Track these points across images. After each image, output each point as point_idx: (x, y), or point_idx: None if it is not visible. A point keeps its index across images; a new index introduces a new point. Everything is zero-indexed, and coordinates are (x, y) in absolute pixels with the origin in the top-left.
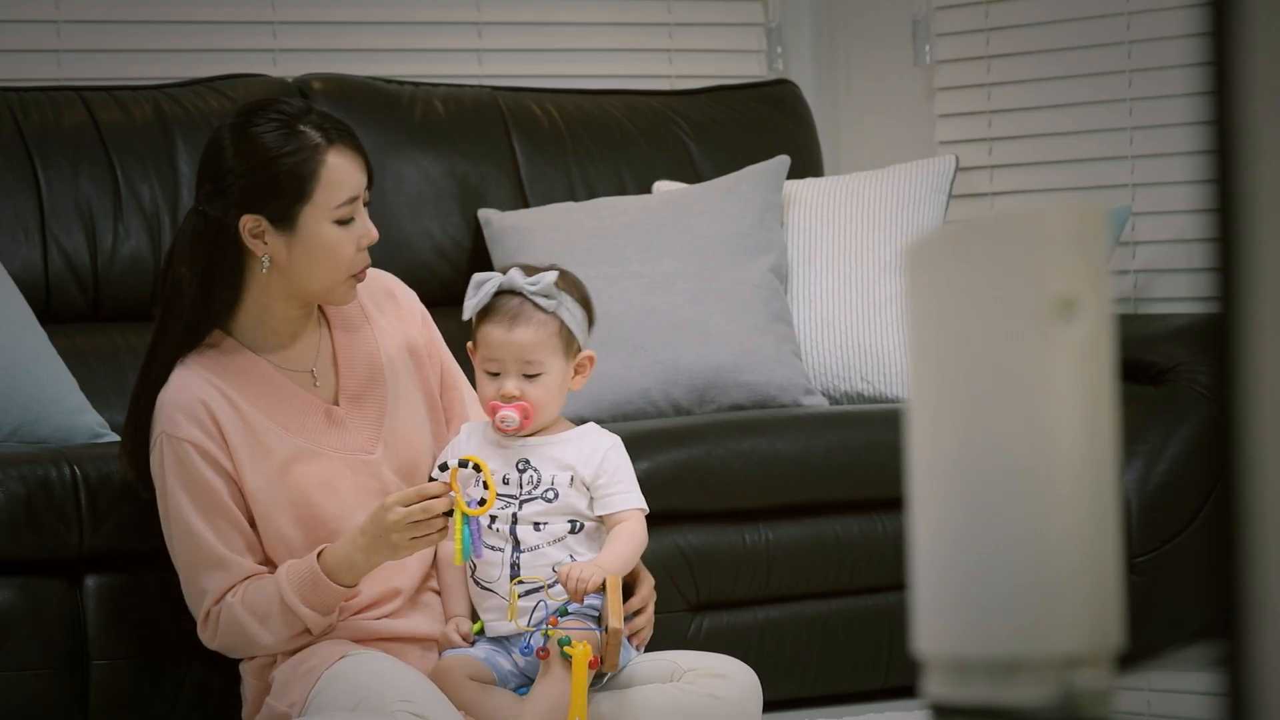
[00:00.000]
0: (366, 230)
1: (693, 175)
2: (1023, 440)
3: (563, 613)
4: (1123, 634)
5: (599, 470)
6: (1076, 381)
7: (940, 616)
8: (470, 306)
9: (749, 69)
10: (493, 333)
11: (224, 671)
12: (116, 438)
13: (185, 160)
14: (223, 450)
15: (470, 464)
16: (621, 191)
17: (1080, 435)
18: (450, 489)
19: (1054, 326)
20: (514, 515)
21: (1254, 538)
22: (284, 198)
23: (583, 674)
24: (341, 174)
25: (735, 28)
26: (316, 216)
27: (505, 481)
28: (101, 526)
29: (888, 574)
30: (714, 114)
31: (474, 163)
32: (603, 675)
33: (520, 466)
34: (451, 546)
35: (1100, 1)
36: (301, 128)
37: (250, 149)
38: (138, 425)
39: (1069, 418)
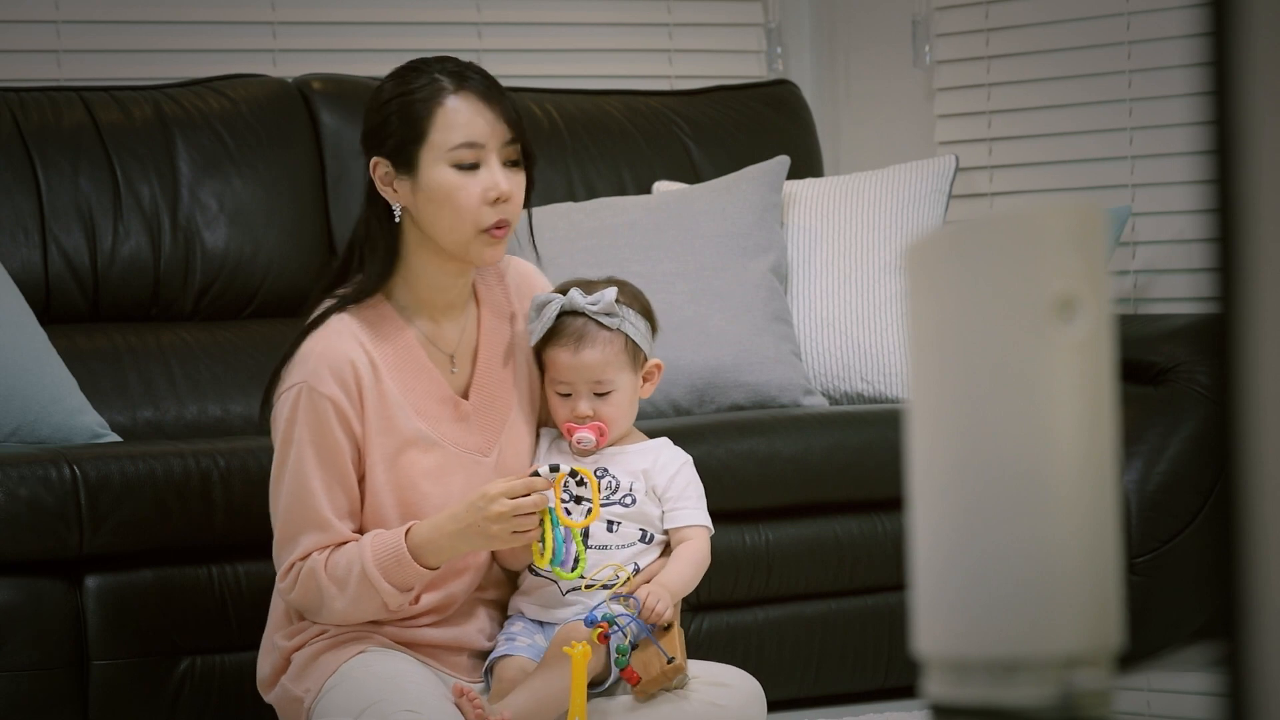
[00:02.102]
0: (494, 183)
1: (693, 175)
2: (1023, 440)
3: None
4: (1123, 634)
5: (671, 482)
6: (1076, 381)
7: (940, 616)
8: (536, 331)
9: (749, 69)
10: (560, 356)
11: (224, 672)
12: (117, 438)
13: (185, 160)
14: (358, 415)
15: (580, 477)
16: (621, 191)
17: (1080, 435)
18: (551, 488)
19: (1054, 326)
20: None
21: (1254, 538)
22: (398, 136)
23: (582, 674)
24: (461, 117)
25: (735, 28)
26: (433, 158)
27: (581, 483)
28: (101, 526)
29: (888, 574)
30: (714, 114)
31: None
32: (597, 684)
33: (599, 474)
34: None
35: (1100, 2)
36: (434, 72)
37: (378, 94)
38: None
39: (1069, 418)
